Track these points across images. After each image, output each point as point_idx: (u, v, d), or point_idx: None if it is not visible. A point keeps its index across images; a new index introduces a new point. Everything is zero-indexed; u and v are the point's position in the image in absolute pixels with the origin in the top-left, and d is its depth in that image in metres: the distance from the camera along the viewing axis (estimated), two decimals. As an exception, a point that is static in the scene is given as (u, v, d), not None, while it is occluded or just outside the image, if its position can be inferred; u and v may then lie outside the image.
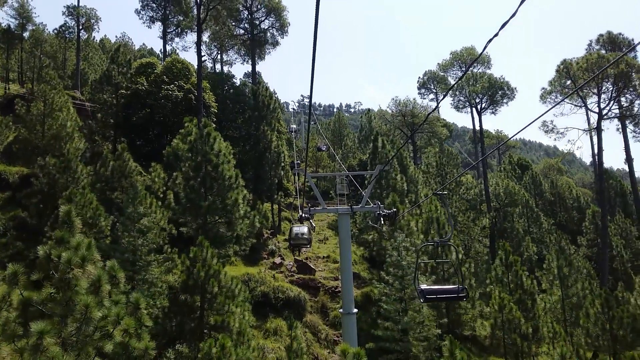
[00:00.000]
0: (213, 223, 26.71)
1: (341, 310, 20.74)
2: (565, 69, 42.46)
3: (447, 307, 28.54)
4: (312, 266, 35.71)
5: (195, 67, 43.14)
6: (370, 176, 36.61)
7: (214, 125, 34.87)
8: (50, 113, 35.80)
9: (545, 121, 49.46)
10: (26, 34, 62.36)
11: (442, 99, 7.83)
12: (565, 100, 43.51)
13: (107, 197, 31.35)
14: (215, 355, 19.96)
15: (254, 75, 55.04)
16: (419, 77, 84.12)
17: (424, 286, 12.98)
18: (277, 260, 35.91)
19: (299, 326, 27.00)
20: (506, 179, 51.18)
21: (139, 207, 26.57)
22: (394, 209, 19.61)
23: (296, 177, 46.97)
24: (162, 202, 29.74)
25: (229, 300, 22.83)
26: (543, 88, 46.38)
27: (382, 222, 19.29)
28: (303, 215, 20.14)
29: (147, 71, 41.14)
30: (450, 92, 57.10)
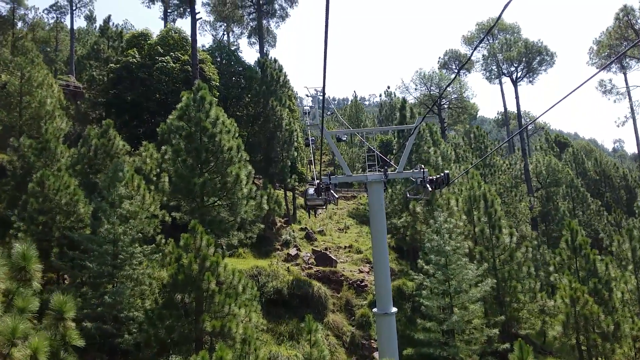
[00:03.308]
0: (211, 205, 21.86)
1: (375, 309, 15.81)
2: (626, 16, 36.75)
3: (502, 301, 23.40)
4: (332, 257, 30.75)
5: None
6: (406, 134, 31.14)
7: (216, 100, 30.18)
8: (28, 90, 31.24)
9: (602, 80, 43.68)
10: (20, 24, 58.38)
11: (470, 56, 8.14)
12: (622, 54, 37.45)
13: (91, 180, 26.79)
14: (211, 371, 14.94)
15: (261, 47, 50.08)
16: (440, 57, 78.29)
17: None
18: (293, 251, 31.01)
19: (319, 328, 22.09)
20: (547, 156, 45.64)
21: (120, 188, 21.85)
22: (446, 172, 14.50)
23: (312, 159, 42.07)
24: (155, 187, 25.10)
25: (230, 299, 17.98)
26: (599, 41, 40.45)
27: (430, 189, 14.32)
28: (321, 184, 15.26)
29: (140, 43, 36.41)
30: (482, 61, 51.74)
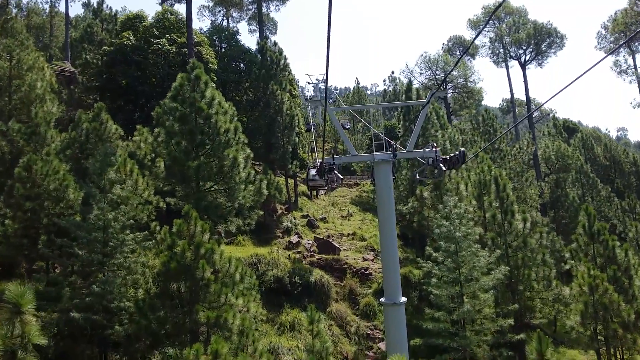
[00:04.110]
0: (207, 190, 20.67)
1: (382, 299, 14.63)
2: (644, -8, 35.26)
3: (514, 289, 22.24)
4: (335, 244, 29.60)
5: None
6: (412, 117, 29.43)
7: (213, 83, 28.99)
8: (17, 73, 29.98)
9: (617, 60, 42.08)
10: (14, 11, 57.05)
11: (474, 39, 6.89)
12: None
13: (82, 166, 25.62)
14: (205, 366, 13.85)
15: (261, 33, 48.57)
16: (443, 44, 76.76)
17: None
18: (294, 238, 29.87)
19: (322, 318, 21.00)
20: (556, 142, 44.24)
21: (111, 172, 20.66)
22: (461, 149, 13.27)
23: (314, 145, 40.84)
24: (150, 172, 23.95)
25: (226, 288, 16.84)
26: (614, 19, 38.80)
27: (444, 169, 13.13)
28: (324, 163, 14.09)
29: (135, 25, 35.09)
30: (488, 44, 50.21)
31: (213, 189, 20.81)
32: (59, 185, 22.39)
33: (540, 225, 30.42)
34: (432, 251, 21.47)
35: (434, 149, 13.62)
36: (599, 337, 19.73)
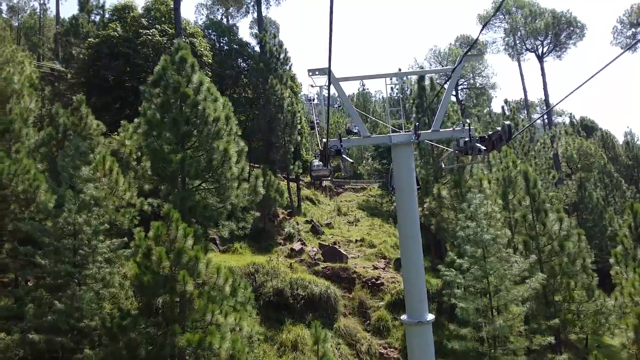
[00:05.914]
0: (194, 189, 17.90)
1: (404, 317, 11.60)
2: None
3: (549, 301, 19.31)
4: (342, 251, 26.72)
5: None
6: (425, 106, 26.31)
7: (208, 76, 26.55)
8: (-7, 68, 27.43)
9: None
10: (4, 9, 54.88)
11: (480, 32, 5.41)
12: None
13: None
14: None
15: (260, 22, 45.76)
16: (450, 44, 74.22)
17: None
18: (297, 245, 27.01)
19: (328, 336, 18.20)
20: (578, 139, 41.34)
21: (83, 169, 17.97)
22: (506, 123, 10.29)
23: (318, 141, 37.94)
24: (135, 172, 21.28)
25: (213, 305, 14.01)
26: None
27: (484, 148, 10.24)
28: (330, 147, 11.20)
29: (123, 16, 32.55)
30: (503, 36, 47.40)
31: (201, 187, 18.04)
32: (28, 187, 19.68)
33: (568, 227, 27.54)
34: (455, 257, 18.57)
35: (466, 128, 10.58)
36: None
